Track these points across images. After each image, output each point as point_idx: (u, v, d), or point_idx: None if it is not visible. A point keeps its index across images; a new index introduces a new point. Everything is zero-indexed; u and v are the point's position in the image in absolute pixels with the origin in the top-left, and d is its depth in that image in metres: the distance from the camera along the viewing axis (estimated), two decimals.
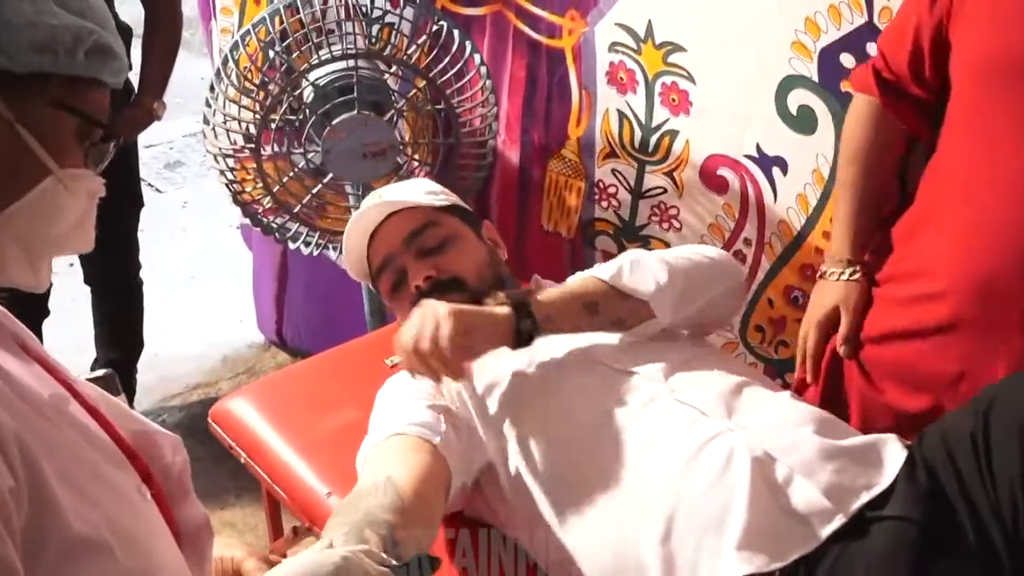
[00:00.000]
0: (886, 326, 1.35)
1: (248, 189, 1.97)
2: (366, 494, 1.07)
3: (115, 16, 1.65)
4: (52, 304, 2.25)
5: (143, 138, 2.36)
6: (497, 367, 1.32)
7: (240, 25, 2.27)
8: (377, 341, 1.72)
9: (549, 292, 1.31)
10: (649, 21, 1.72)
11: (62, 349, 1.80)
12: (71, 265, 2.65)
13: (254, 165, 1.91)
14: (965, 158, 1.26)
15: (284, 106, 1.87)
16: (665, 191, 1.84)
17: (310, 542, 1.60)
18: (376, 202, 1.46)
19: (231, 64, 1.86)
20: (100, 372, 2.45)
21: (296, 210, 1.96)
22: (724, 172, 1.74)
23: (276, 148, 1.91)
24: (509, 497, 1.26)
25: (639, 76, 1.78)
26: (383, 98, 1.93)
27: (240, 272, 2.97)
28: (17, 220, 0.77)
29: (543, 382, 1.30)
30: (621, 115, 1.85)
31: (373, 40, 1.94)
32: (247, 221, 2.12)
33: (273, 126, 1.89)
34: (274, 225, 2.00)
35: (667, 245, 1.88)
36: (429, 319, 1.20)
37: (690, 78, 1.71)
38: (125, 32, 2.03)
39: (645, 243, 1.92)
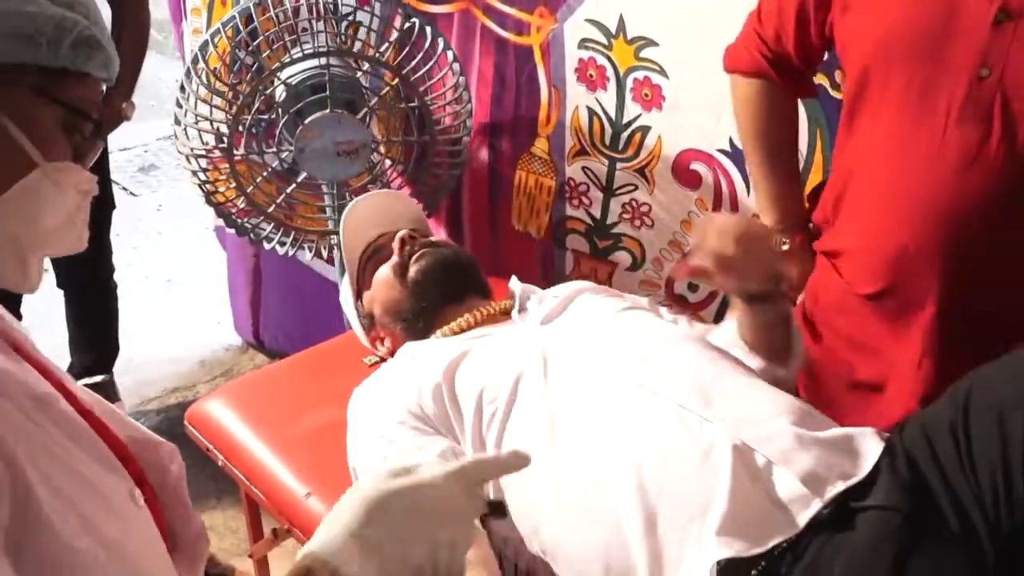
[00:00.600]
0: (828, 299, 1.38)
1: (221, 190, 1.96)
2: None
3: None
4: (25, 308, 2.22)
5: (117, 141, 2.35)
6: (481, 370, 1.32)
7: (209, 25, 2.26)
8: (354, 340, 1.71)
9: None
10: (621, 16, 1.72)
11: None
12: (45, 271, 2.61)
13: (227, 166, 1.90)
14: (877, 134, 1.26)
15: (256, 105, 1.86)
16: (636, 188, 1.85)
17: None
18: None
19: (201, 63, 1.85)
20: (99, 378, 2.45)
21: (271, 210, 1.95)
22: (697, 167, 1.74)
23: (249, 148, 1.90)
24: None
25: (610, 72, 1.78)
26: (356, 96, 1.92)
27: (217, 275, 2.95)
28: (2, 214, 0.76)
29: (530, 382, 1.29)
30: (591, 112, 1.85)
31: (343, 37, 1.93)
32: (222, 223, 2.11)
33: (244, 126, 1.88)
34: (248, 226, 1.99)
35: (639, 243, 1.89)
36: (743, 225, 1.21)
37: (663, 72, 1.71)
38: None
39: (617, 241, 1.92)
